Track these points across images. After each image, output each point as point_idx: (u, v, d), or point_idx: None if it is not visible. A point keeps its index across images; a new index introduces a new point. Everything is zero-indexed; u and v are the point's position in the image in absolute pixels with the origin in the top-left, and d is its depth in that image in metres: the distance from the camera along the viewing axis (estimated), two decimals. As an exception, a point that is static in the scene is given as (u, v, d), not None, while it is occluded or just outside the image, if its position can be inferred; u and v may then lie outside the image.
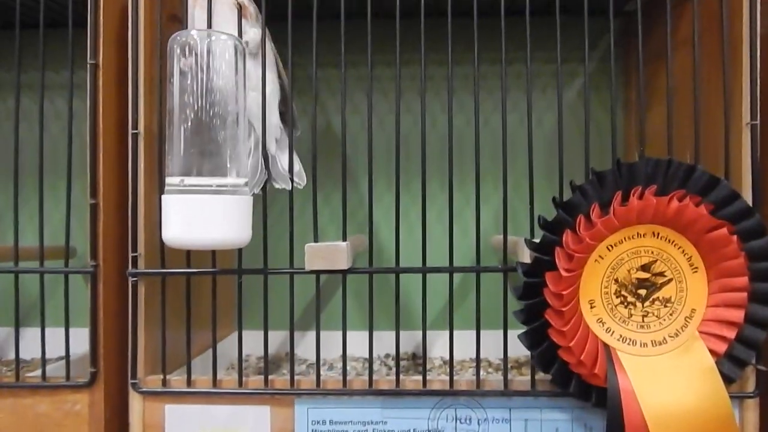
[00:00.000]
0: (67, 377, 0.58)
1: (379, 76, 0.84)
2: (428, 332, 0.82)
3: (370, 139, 0.59)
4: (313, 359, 0.78)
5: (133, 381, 0.57)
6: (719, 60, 0.58)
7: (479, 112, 0.59)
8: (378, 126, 0.85)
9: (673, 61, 0.66)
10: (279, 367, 0.78)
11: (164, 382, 0.57)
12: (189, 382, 0.57)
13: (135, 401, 0.57)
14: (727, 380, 0.53)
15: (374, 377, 0.58)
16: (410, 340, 0.84)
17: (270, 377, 0.58)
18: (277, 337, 0.80)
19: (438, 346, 0.83)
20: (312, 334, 0.77)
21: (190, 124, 0.50)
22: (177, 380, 0.58)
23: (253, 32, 0.58)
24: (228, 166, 0.51)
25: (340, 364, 0.78)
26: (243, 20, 0.58)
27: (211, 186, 0.50)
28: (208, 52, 0.50)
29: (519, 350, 0.57)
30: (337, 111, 0.83)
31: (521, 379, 0.58)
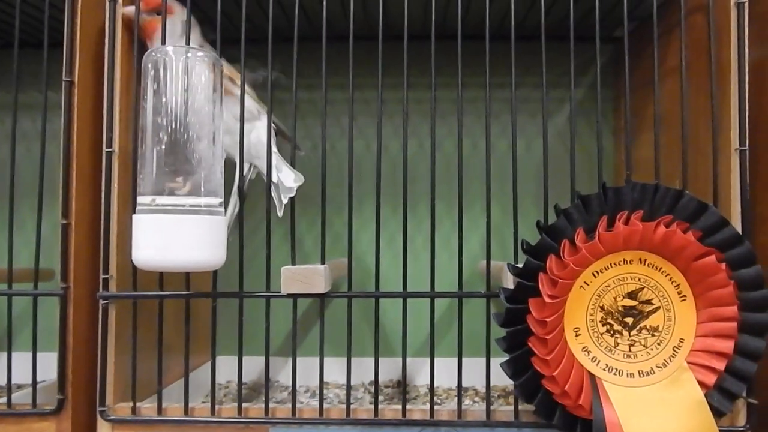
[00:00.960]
0: (34, 404, 0.56)
1: (368, 99, 0.83)
2: (414, 359, 0.80)
3: (350, 163, 0.57)
4: (297, 386, 0.76)
5: (101, 408, 0.55)
6: (707, 87, 0.57)
7: (462, 136, 0.58)
8: (366, 149, 0.84)
9: (662, 88, 0.65)
10: (261, 394, 0.75)
11: (134, 410, 0.55)
12: (160, 410, 0.55)
13: (103, 429, 0.55)
14: (717, 413, 0.51)
15: (357, 405, 0.56)
16: (396, 367, 0.81)
17: (244, 405, 0.56)
18: (260, 364, 0.77)
19: (424, 374, 0.81)
20: (297, 360, 0.75)
21: (163, 142, 0.49)
22: (147, 408, 0.56)
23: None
24: (202, 185, 0.50)
25: (324, 391, 0.76)
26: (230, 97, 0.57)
27: (184, 206, 0.49)
28: (184, 69, 0.49)
29: (507, 379, 0.55)
30: (332, 134, 0.82)
31: (504, 409, 0.56)
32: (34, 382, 0.57)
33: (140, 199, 0.49)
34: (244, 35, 0.57)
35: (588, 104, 0.82)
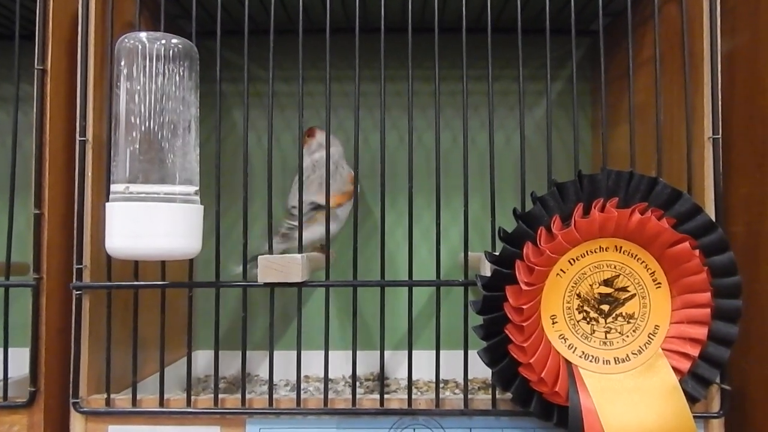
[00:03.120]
0: (5, 397, 0.55)
1: (348, 91, 0.83)
2: (396, 353, 0.80)
3: (327, 154, 0.57)
4: (277, 380, 0.76)
5: (74, 400, 0.54)
6: (681, 77, 0.58)
7: (440, 128, 0.58)
8: (347, 142, 0.83)
9: (638, 80, 0.66)
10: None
11: (108, 402, 0.54)
12: (134, 402, 0.55)
13: (76, 422, 0.54)
14: (692, 400, 0.52)
15: (337, 397, 0.56)
16: (378, 360, 0.81)
17: (221, 396, 0.55)
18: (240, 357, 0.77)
19: (405, 367, 0.80)
20: (278, 354, 0.74)
21: (136, 129, 0.48)
22: (122, 400, 0.55)
23: None
24: (177, 173, 0.49)
25: (303, 385, 0.76)
26: None
27: (158, 194, 0.48)
28: (158, 56, 0.49)
29: (489, 371, 0.55)
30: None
31: (482, 398, 0.56)
32: (5, 375, 0.56)
33: (113, 187, 0.48)
34: (219, 26, 0.57)
35: (566, 97, 0.82)
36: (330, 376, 0.77)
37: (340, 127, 0.83)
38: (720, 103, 0.57)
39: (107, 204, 0.48)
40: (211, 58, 0.57)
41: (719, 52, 0.57)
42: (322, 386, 0.75)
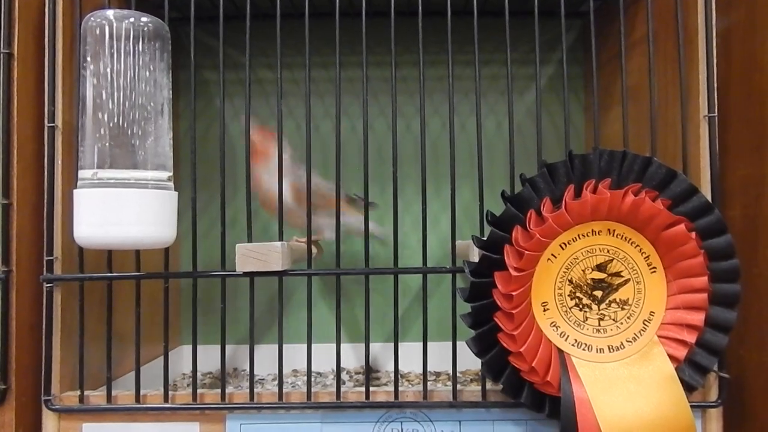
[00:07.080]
0: (-26, 395, 0.53)
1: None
2: (387, 345, 0.78)
3: (308, 138, 0.55)
4: (265, 375, 0.74)
5: (46, 397, 0.52)
6: (674, 56, 0.56)
7: (425, 112, 0.56)
8: (332, 129, 0.81)
9: (630, 61, 0.64)
10: (227, 384, 0.73)
11: (81, 399, 0.52)
12: (109, 398, 0.52)
13: (48, 420, 0.52)
14: (688, 388, 0.50)
15: (322, 391, 0.54)
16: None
17: (200, 391, 0.53)
18: (227, 352, 0.75)
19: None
20: (266, 348, 0.72)
21: (104, 112, 0.46)
22: (96, 396, 0.53)
23: None
24: (149, 158, 0.47)
25: (291, 379, 0.74)
26: None
27: (129, 179, 0.46)
28: (127, 35, 0.46)
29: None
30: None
31: (472, 390, 0.54)
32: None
33: (81, 173, 0.46)
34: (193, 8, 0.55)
35: (558, 81, 0.80)
36: (319, 369, 0.75)
37: (326, 114, 0.81)
38: (715, 80, 0.55)
39: (75, 191, 0.46)
40: (193, 44, 0.55)
41: (714, 26, 0.55)
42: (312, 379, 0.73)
